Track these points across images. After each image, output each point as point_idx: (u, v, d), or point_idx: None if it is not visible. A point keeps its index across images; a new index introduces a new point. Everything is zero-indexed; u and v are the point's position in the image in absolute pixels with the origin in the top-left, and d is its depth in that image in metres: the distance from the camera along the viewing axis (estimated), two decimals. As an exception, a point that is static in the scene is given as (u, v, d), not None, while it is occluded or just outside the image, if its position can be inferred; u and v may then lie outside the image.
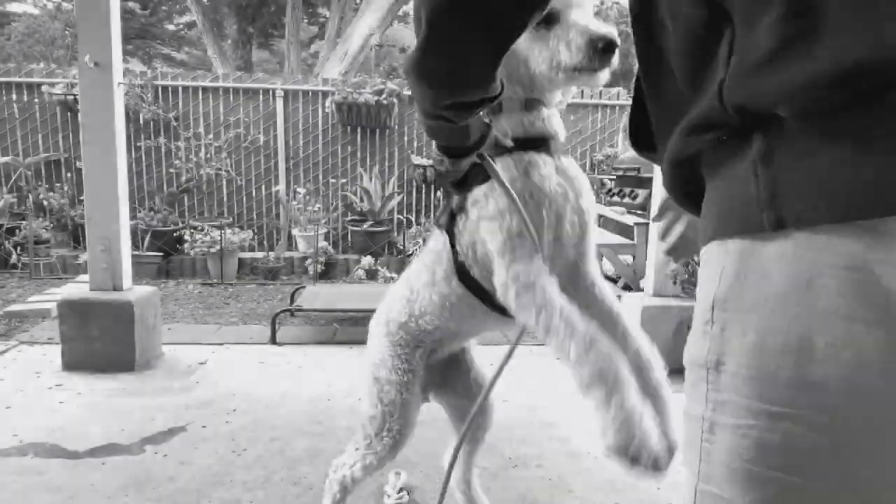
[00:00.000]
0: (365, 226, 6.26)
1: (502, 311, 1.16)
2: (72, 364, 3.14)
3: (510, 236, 1.09)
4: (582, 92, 6.76)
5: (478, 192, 1.14)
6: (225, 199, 6.56)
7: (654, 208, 3.45)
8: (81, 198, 4.37)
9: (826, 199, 0.42)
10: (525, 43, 1.06)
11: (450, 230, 1.23)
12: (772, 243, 0.45)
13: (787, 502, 0.45)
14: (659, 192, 3.39)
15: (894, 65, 0.39)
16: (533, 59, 1.07)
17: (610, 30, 1.01)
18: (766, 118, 0.45)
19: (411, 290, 1.37)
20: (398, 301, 1.42)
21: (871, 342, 0.41)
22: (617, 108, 6.70)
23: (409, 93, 6.34)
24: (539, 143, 1.16)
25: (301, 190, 6.30)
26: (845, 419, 0.42)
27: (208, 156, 6.22)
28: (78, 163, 6.15)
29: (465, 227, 1.20)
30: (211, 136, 6.28)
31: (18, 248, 5.74)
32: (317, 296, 4.33)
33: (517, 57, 1.09)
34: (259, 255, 6.06)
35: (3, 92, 6.24)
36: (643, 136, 0.65)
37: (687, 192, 0.58)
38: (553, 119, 1.19)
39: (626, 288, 4.73)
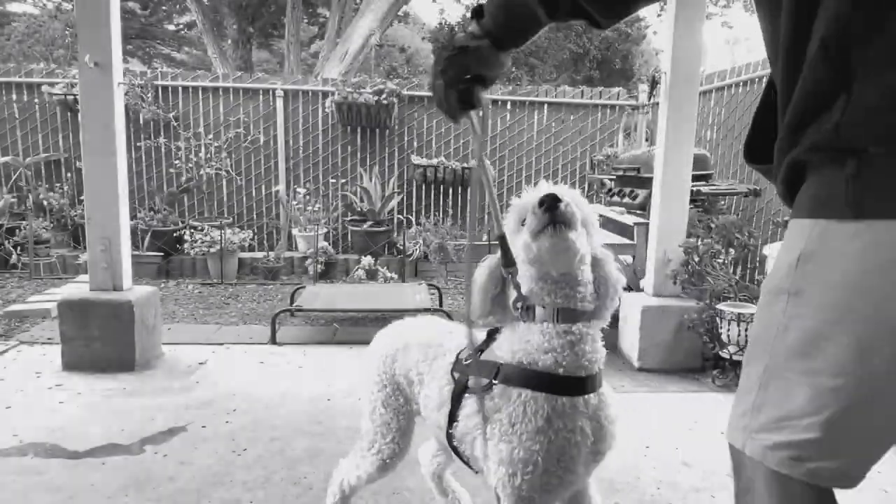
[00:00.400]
0: (365, 226, 6.26)
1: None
2: (72, 364, 3.14)
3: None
4: (582, 92, 6.77)
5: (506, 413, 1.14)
6: (225, 199, 6.56)
7: (654, 208, 3.46)
8: (81, 198, 4.37)
9: None
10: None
11: (457, 398, 1.24)
12: (852, 224, 0.73)
13: (825, 352, 0.74)
14: (659, 192, 3.39)
15: None
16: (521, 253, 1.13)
17: (544, 191, 1.09)
18: (860, 149, 0.72)
19: (425, 356, 1.37)
20: (415, 349, 1.40)
21: None
22: (617, 108, 6.70)
23: (409, 92, 6.41)
24: (575, 382, 1.13)
25: (301, 190, 6.30)
26: (872, 328, 0.72)
27: (208, 156, 6.22)
28: (78, 163, 6.16)
29: (467, 424, 1.22)
30: (211, 136, 6.28)
31: (18, 248, 5.75)
32: (317, 296, 4.33)
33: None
34: (259, 255, 6.06)
35: (3, 92, 6.25)
36: (759, 151, 0.89)
37: (791, 187, 0.83)
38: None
39: (627, 288, 4.71)
